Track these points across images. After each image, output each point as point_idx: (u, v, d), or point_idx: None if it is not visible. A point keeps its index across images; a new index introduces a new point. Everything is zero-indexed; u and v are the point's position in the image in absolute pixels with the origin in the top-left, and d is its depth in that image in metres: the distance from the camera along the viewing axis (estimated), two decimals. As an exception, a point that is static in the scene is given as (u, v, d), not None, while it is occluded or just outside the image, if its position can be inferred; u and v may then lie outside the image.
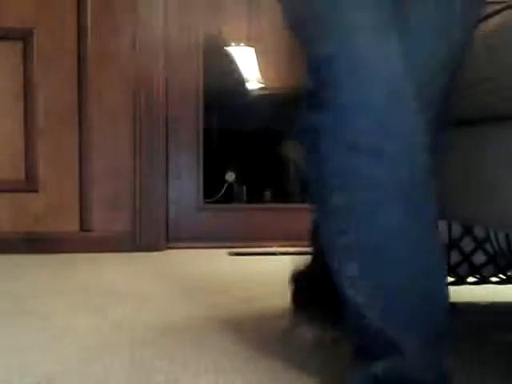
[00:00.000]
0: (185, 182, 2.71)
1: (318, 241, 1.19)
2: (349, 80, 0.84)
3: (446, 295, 0.92)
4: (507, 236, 1.56)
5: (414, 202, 0.85)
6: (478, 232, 1.57)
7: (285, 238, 2.65)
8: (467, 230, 1.57)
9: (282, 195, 3.38)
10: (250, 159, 3.47)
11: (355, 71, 0.83)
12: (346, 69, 0.84)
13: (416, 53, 0.93)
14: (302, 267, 1.41)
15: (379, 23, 0.85)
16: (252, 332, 1.39)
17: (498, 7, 0.93)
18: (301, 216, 3.02)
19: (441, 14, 0.96)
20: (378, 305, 0.85)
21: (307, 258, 1.41)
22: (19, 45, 2.48)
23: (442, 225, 1.58)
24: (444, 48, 0.97)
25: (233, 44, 4.22)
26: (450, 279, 1.59)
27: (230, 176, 3.42)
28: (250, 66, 4.24)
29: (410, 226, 0.85)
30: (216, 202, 3.34)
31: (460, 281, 1.59)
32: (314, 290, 1.36)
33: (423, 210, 0.87)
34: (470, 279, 1.60)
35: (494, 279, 1.61)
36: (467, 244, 1.58)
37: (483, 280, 1.60)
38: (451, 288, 1.59)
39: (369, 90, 0.83)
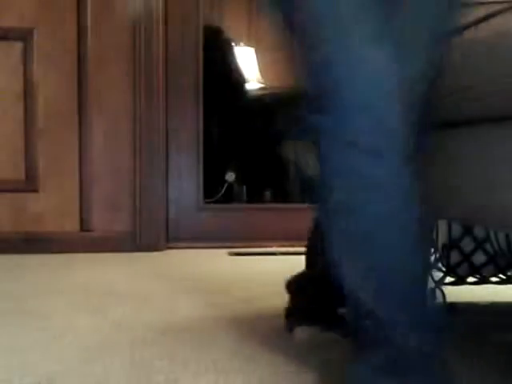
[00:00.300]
0: (185, 182, 2.71)
1: (317, 240, 1.19)
2: (348, 83, 0.85)
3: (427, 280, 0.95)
4: (507, 236, 1.56)
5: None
6: (478, 232, 1.57)
7: (285, 237, 2.65)
8: (467, 230, 1.57)
9: (282, 195, 3.38)
10: (250, 159, 3.47)
11: (354, 74, 0.85)
12: (344, 72, 0.85)
13: None
14: (301, 270, 1.42)
15: (375, 26, 0.86)
16: (252, 332, 1.39)
17: (499, 7, 0.93)
18: (301, 216, 3.01)
19: (419, 25, 0.97)
20: (370, 286, 0.87)
21: (307, 259, 1.41)
22: (19, 45, 2.48)
23: (442, 225, 1.58)
24: (422, 57, 0.99)
25: (233, 44, 4.22)
26: (450, 279, 1.60)
27: (230, 176, 3.42)
28: (249, 66, 4.24)
29: (400, 214, 0.87)
30: (216, 202, 3.33)
31: (460, 281, 1.59)
32: (313, 291, 1.36)
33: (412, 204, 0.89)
34: (470, 279, 1.60)
35: (494, 279, 1.61)
36: (467, 244, 1.58)
37: (483, 280, 1.60)
38: (451, 288, 1.60)
39: (368, 92, 0.85)
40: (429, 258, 0.97)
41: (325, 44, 0.87)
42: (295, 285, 1.41)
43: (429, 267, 0.92)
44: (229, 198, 3.41)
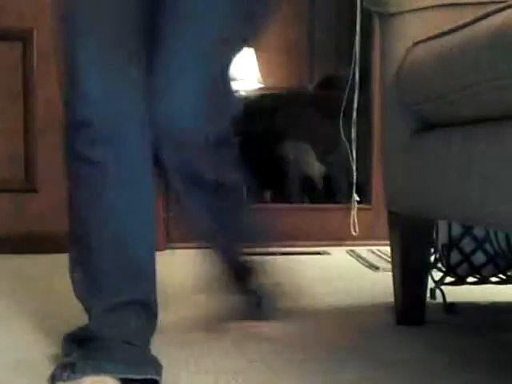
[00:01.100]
0: (185, 182, 2.70)
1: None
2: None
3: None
4: (507, 236, 1.56)
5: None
6: (478, 232, 1.57)
7: (285, 237, 2.64)
8: (467, 230, 1.57)
9: (282, 195, 3.38)
10: (250, 159, 3.47)
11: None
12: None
13: None
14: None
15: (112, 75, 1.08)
16: (252, 332, 1.38)
17: (500, 5, 0.93)
18: (301, 216, 3.02)
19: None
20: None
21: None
22: (19, 45, 2.48)
23: (442, 225, 1.58)
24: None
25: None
26: (450, 279, 1.60)
27: (230, 176, 3.41)
28: (250, 66, 4.23)
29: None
30: (216, 202, 3.32)
31: (460, 281, 1.59)
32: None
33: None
34: (470, 279, 1.60)
35: (494, 279, 1.61)
36: (467, 244, 1.58)
37: (483, 280, 1.60)
38: (451, 288, 1.60)
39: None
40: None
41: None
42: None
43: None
44: (229, 198, 3.40)
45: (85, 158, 1.08)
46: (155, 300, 1.16)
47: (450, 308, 1.54)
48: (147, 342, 1.12)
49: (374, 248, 2.49)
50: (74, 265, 1.14)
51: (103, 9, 1.09)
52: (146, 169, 1.12)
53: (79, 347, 1.07)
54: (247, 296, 1.39)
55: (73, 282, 1.14)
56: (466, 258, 1.58)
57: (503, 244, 1.57)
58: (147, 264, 1.15)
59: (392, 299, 1.46)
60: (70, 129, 1.09)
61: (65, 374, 1.01)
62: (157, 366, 1.06)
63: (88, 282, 1.12)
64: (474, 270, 1.59)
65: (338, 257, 2.45)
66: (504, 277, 1.61)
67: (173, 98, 1.15)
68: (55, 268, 2.16)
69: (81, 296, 1.13)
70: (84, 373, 1.00)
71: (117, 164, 1.08)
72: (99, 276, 1.11)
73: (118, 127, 1.08)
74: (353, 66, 2.52)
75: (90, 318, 1.11)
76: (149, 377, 1.02)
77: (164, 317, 1.49)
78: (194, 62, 1.15)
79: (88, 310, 1.12)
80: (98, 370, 1.00)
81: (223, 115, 1.24)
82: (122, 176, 1.09)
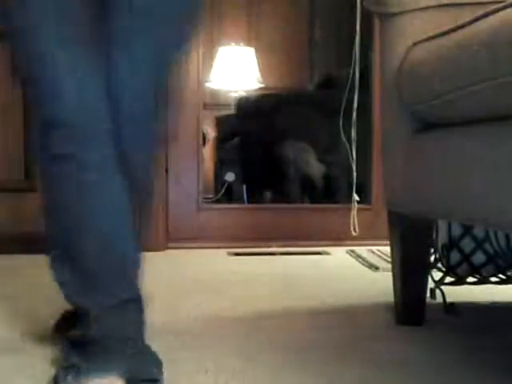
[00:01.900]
0: (184, 182, 2.71)
1: None
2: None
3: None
4: (507, 236, 1.56)
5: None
6: (478, 232, 1.57)
7: (285, 237, 2.65)
8: (467, 230, 1.57)
9: (282, 195, 3.38)
10: (249, 159, 3.47)
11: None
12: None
13: None
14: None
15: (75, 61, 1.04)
16: (252, 332, 1.39)
17: (499, 5, 0.93)
18: (300, 216, 3.01)
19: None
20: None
21: None
22: (19, 45, 2.47)
23: (442, 225, 1.58)
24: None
25: (233, 44, 4.23)
26: (450, 279, 1.60)
27: (230, 176, 3.42)
28: (249, 66, 4.24)
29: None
30: (216, 201, 3.34)
31: (460, 281, 1.59)
32: None
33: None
34: (470, 279, 1.60)
35: (493, 279, 1.61)
36: (467, 244, 1.58)
37: (483, 280, 1.60)
38: (451, 288, 1.60)
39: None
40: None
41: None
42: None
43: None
44: (229, 198, 3.41)
45: (60, 157, 1.06)
46: (143, 297, 1.14)
47: (450, 308, 1.54)
48: (144, 340, 1.11)
49: (373, 248, 2.50)
50: (62, 269, 1.13)
51: (56, 6, 1.05)
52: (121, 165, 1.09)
53: (80, 350, 1.06)
54: None
55: (62, 286, 1.12)
56: (466, 257, 1.58)
57: (503, 244, 1.57)
58: (134, 261, 1.14)
59: (392, 299, 1.46)
60: (43, 128, 1.06)
61: (69, 377, 1.01)
62: (158, 364, 1.06)
63: (79, 285, 1.10)
64: (474, 269, 1.59)
65: (338, 257, 2.45)
66: (504, 277, 1.61)
67: (125, 94, 1.12)
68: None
69: (73, 300, 1.12)
70: (89, 375, 0.99)
71: (93, 162, 1.06)
72: (90, 278, 1.09)
73: (90, 124, 1.05)
74: (353, 65, 2.52)
75: (87, 321, 1.10)
76: (152, 377, 1.02)
77: (164, 317, 1.50)
78: (146, 60, 1.13)
79: (83, 312, 1.11)
80: (102, 373, 0.99)
81: (162, 115, 1.22)
82: (98, 174, 1.07)
